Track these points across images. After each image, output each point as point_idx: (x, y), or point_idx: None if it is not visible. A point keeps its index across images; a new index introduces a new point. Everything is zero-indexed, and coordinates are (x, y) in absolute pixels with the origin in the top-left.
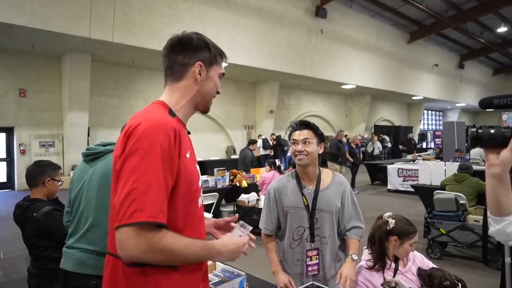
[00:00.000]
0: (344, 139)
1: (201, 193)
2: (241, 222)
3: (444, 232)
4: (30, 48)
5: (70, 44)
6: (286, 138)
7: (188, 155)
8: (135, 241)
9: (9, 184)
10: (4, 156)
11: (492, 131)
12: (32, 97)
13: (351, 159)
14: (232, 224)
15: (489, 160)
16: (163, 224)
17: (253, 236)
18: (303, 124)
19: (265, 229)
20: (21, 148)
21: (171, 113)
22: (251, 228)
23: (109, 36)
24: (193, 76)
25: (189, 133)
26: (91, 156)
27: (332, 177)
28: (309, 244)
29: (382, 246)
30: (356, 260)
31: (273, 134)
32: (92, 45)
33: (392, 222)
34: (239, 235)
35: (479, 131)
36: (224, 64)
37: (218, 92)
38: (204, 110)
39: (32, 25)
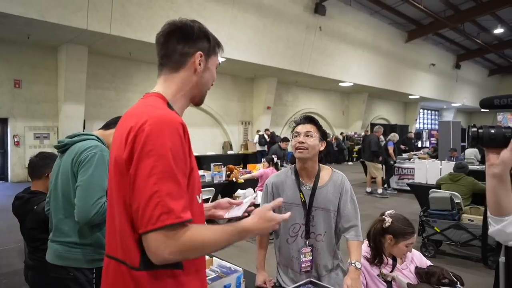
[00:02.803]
0: (341, 137)
1: (201, 190)
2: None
3: (438, 230)
4: (26, 38)
5: (67, 35)
6: (282, 134)
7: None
8: (166, 244)
9: (2, 175)
10: None
11: (493, 131)
12: (27, 88)
13: (394, 158)
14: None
15: (489, 160)
16: (189, 220)
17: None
18: (307, 118)
19: None
20: (15, 139)
21: (169, 106)
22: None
23: (106, 28)
24: (193, 66)
25: None
26: (60, 149)
27: (331, 175)
28: (303, 241)
29: (376, 243)
30: (359, 268)
31: (267, 130)
32: (89, 37)
33: (388, 221)
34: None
35: (480, 130)
36: (220, 58)
37: (212, 84)
38: (199, 103)
39: (28, 15)
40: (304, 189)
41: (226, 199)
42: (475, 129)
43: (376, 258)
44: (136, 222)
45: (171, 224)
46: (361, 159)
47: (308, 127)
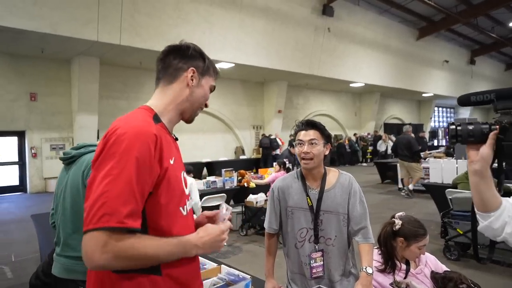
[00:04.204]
0: (354, 138)
1: (188, 201)
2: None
3: (461, 232)
4: (40, 52)
5: (79, 47)
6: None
7: (172, 161)
8: (102, 249)
9: (21, 187)
10: (16, 159)
11: (471, 127)
12: (43, 101)
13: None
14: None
15: (469, 157)
16: (134, 229)
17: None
18: (310, 124)
19: (269, 228)
20: (33, 151)
21: (156, 118)
22: (231, 209)
23: (116, 39)
24: (185, 80)
25: (176, 139)
26: (66, 161)
27: (338, 177)
28: (312, 246)
29: (387, 247)
30: (371, 274)
31: (263, 134)
32: (100, 48)
33: (398, 223)
34: (223, 214)
35: (458, 128)
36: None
37: (206, 105)
38: (189, 119)
39: (41, 30)
40: (311, 193)
41: (202, 215)
42: (453, 126)
43: (388, 263)
44: (84, 221)
45: (113, 228)
46: (374, 161)
47: (311, 133)
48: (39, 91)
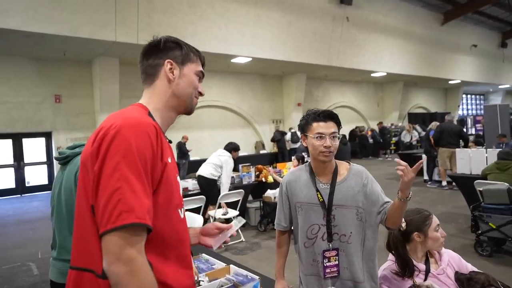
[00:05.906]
0: (377, 128)
1: (183, 204)
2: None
3: (494, 226)
4: (62, 55)
5: (99, 48)
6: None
7: (170, 160)
8: (125, 249)
9: (50, 185)
10: (44, 159)
11: None
12: (67, 102)
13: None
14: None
15: None
16: (150, 227)
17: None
18: (329, 116)
19: (278, 225)
20: (59, 151)
21: (151, 116)
22: (244, 221)
23: (134, 39)
24: (166, 75)
25: (170, 142)
26: (61, 161)
27: (349, 168)
28: (326, 244)
29: (399, 251)
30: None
31: (277, 129)
32: (119, 49)
33: (403, 222)
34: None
35: None
36: (200, 67)
37: (200, 94)
38: (186, 111)
39: (62, 33)
40: (322, 187)
41: (213, 224)
42: None
43: (405, 268)
44: (99, 223)
45: (132, 224)
46: (397, 152)
47: (331, 125)
48: (63, 93)
